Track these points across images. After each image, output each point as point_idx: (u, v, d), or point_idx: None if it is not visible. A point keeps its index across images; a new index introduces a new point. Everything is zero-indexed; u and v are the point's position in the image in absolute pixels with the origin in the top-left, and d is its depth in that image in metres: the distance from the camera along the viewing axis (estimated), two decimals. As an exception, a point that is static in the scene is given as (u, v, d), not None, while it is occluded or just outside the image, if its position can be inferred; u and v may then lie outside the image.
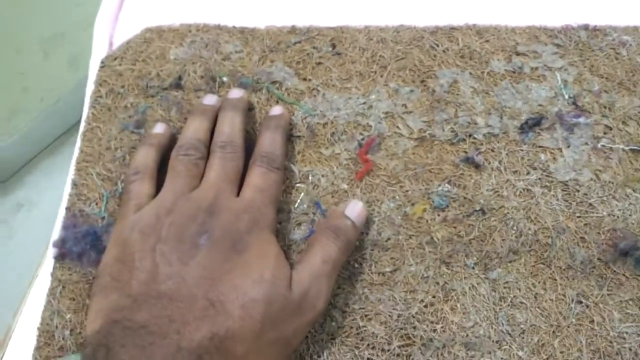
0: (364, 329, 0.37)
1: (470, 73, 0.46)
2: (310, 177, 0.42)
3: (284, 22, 0.49)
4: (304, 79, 0.46)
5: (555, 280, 0.38)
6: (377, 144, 0.43)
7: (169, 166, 0.39)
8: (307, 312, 0.34)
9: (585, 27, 0.49)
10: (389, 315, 0.37)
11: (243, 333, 0.31)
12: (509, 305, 0.38)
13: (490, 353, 0.36)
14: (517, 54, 0.47)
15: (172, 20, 0.49)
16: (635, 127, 0.44)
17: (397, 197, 0.41)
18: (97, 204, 0.40)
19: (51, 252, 0.39)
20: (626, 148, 0.43)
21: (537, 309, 0.37)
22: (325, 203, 0.41)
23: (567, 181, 0.42)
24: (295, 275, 0.34)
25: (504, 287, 0.38)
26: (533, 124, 0.44)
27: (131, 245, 0.34)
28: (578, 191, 0.41)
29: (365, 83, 0.46)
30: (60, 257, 0.39)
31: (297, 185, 0.41)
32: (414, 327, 0.37)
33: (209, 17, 0.49)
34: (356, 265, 0.39)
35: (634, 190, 0.42)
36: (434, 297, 0.38)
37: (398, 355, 0.36)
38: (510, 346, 0.37)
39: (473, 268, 0.39)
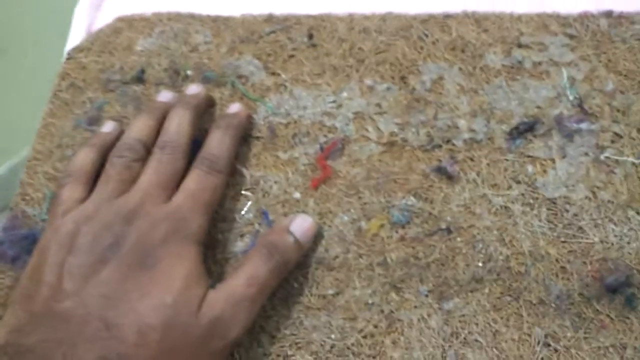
0: (292, 358, 0.33)
1: (460, 68, 0.41)
2: (261, 183, 0.38)
3: (265, 9, 0.45)
4: (273, 74, 0.42)
5: (522, 316, 0.33)
6: (339, 148, 0.39)
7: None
8: (216, 340, 0.31)
9: (608, 14, 0.42)
10: (321, 345, 0.33)
11: (136, 360, 0.29)
12: (461, 342, 0.33)
13: (433, 397, 0.32)
14: (520, 46, 0.42)
15: (155, 8, 0.47)
16: (652, 135, 0.37)
17: (353, 210, 0.37)
18: (39, 204, 0.39)
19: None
20: (636, 161, 0.37)
21: (494, 349, 0.33)
22: (274, 213, 0.38)
23: (555, 199, 0.36)
24: (210, 298, 0.32)
25: (459, 321, 0.33)
26: (525, 130, 0.38)
27: (45, 256, 0.32)
28: (567, 211, 0.36)
29: (338, 79, 0.42)
30: (-6, 260, 0.38)
31: (246, 192, 0.38)
32: (347, 361, 0.33)
33: (191, 4, 0.46)
34: (295, 285, 0.35)
35: (637, 213, 0.35)
36: (375, 327, 0.34)
37: (327, 390, 0.33)
38: (458, 391, 0.32)
39: (426, 296, 0.34)
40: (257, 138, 0.40)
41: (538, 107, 0.39)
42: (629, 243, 0.35)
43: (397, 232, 0.36)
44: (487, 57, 0.41)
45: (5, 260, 0.38)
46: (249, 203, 0.38)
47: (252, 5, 0.46)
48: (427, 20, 0.43)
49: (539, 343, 0.32)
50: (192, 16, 0.46)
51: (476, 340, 0.33)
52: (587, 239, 0.35)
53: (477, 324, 0.33)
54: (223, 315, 0.31)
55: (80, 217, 0.34)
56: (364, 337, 0.34)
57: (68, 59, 0.45)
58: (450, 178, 0.37)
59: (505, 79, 0.40)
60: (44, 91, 0.44)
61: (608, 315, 0.33)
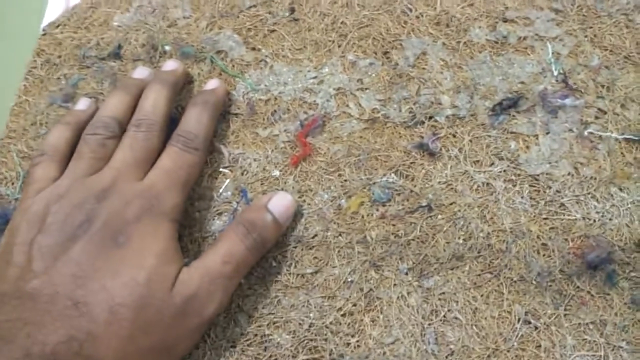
0: (270, 337, 0.33)
1: (444, 43, 0.41)
2: (240, 161, 0.38)
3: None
4: (253, 49, 0.42)
5: (502, 293, 0.33)
6: (319, 125, 0.39)
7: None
8: (191, 318, 0.31)
9: (595, -12, 0.42)
10: (300, 324, 0.33)
11: (108, 338, 0.29)
12: (440, 320, 0.33)
13: (412, 375, 0.32)
14: (505, 20, 0.41)
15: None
16: (637, 111, 0.37)
17: (333, 187, 0.37)
18: (13, 183, 0.39)
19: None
20: (620, 137, 0.37)
21: (473, 327, 0.33)
22: (253, 191, 0.37)
23: (537, 175, 0.36)
24: (184, 275, 0.31)
25: (439, 299, 0.33)
26: (508, 105, 0.38)
27: (15, 235, 0.32)
28: (550, 187, 0.36)
29: (319, 54, 0.41)
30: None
31: (224, 169, 0.38)
32: (325, 340, 0.33)
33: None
34: (274, 264, 0.35)
35: (620, 189, 0.35)
36: (354, 305, 0.34)
37: (305, 369, 0.33)
38: (437, 369, 0.32)
39: (406, 274, 0.34)
40: (236, 115, 0.40)
41: (522, 82, 0.39)
42: (610, 220, 0.35)
43: (377, 209, 0.36)
44: (471, 32, 0.41)
45: (-22, 240, 0.37)
46: (227, 181, 0.38)
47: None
48: (410, -6, 0.43)
49: (519, 320, 0.33)
50: (171, -10, 0.45)
51: (456, 318, 0.33)
52: (569, 215, 0.35)
53: (457, 302, 0.33)
54: (198, 292, 0.31)
55: (52, 195, 0.33)
56: (343, 315, 0.34)
57: (43, 34, 0.44)
58: (432, 155, 0.37)
59: (490, 54, 0.40)
60: (19, 68, 0.43)
61: (589, 292, 0.33)
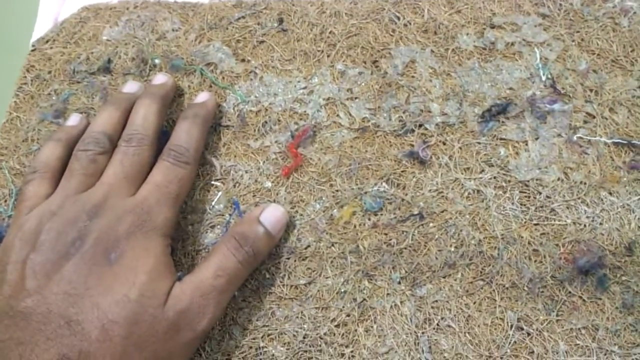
0: (264, 350, 0.34)
1: (432, 51, 0.41)
2: (232, 173, 0.39)
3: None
4: (242, 60, 0.42)
5: (495, 300, 0.34)
6: (310, 135, 0.39)
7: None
8: (184, 332, 0.31)
9: (581, -8, 0.42)
10: (294, 336, 0.34)
11: (101, 356, 0.29)
12: (434, 328, 0.33)
13: (407, 384, 0.33)
14: (492, 26, 0.42)
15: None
16: (625, 115, 0.38)
17: (325, 197, 0.37)
18: (5, 201, 0.39)
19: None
20: (609, 141, 0.37)
21: (467, 334, 0.33)
22: (245, 203, 0.38)
23: (527, 181, 0.36)
24: (176, 290, 0.32)
25: (432, 307, 0.34)
26: (497, 112, 0.39)
27: (8, 254, 0.33)
28: (540, 193, 0.36)
29: (309, 64, 0.42)
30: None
31: (216, 182, 0.38)
32: (320, 350, 0.33)
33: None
34: (267, 276, 0.36)
35: (610, 194, 0.36)
36: (348, 315, 0.34)
37: (301, 381, 0.33)
38: (431, 377, 0.33)
39: (399, 283, 0.35)
40: (227, 127, 0.40)
41: (510, 88, 0.39)
42: (601, 224, 0.35)
43: (369, 219, 0.36)
44: (459, 39, 0.41)
45: (-28, 258, 0.37)
46: (220, 193, 0.38)
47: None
48: (398, 2, 0.43)
49: (511, 327, 0.33)
50: (160, 3, 0.46)
51: (449, 326, 0.33)
52: (559, 220, 0.35)
53: (449, 310, 0.34)
54: (190, 307, 0.32)
55: (44, 213, 0.34)
56: (337, 326, 0.34)
57: (33, 50, 0.45)
58: (423, 163, 0.38)
59: (478, 60, 0.41)
60: (9, 84, 0.44)
61: (580, 297, 0.33)
